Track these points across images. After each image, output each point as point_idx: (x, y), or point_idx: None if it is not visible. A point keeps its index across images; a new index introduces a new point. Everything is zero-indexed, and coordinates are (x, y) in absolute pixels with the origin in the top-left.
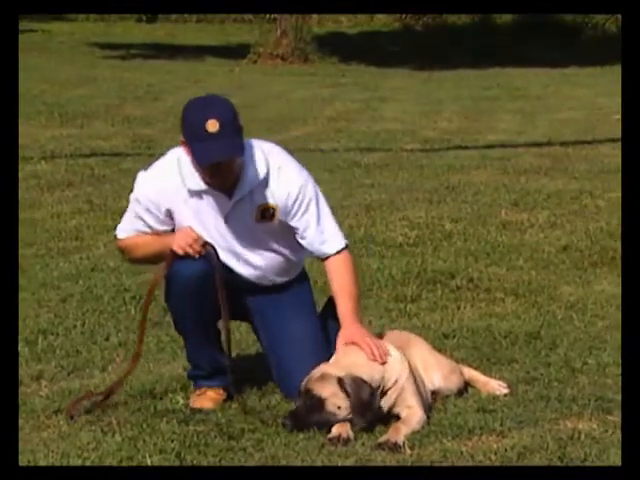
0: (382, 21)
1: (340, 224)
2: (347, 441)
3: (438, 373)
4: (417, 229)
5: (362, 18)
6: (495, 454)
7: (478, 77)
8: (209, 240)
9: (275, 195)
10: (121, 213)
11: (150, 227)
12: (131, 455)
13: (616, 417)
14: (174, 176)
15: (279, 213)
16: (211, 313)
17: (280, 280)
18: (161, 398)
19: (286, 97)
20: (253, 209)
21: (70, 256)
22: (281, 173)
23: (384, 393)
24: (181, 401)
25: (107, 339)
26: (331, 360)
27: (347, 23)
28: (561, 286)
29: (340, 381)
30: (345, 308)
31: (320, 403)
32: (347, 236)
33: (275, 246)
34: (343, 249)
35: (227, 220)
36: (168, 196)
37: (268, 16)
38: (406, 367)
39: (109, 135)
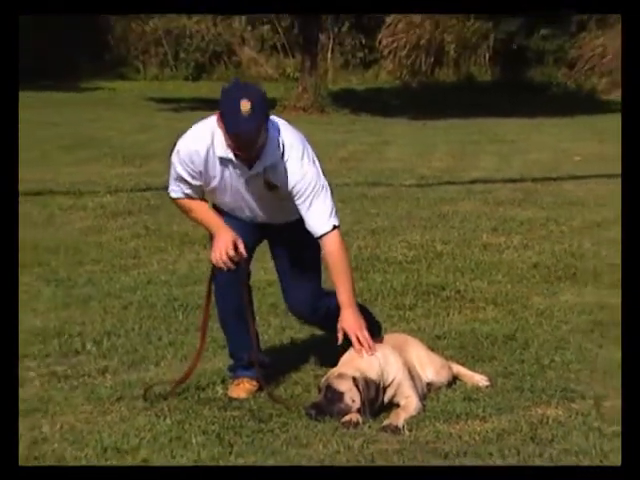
0: (385, 79)
1: (336, 209)
2: (357, 424)
3: (431, 368)
4: (414, 250)
5: (369, 77)
6: (478, 435)
7: (464, 126)
8: (230, 200)
9: (277, 179)
10: (172, 237)
11: (188, 183)
12: (179, 435)
13: (578, 405)
14: (207, 142)
15: (281, 190)
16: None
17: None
18: (204, 389)
19: (307, 141)
20: (263, 182)
21: (130, 271)
22: (287, 164)
23: (384, 390)
24: (220, 391)
25: (160, 339)
26: (345, 359)
27: (356, 81)
28: (532, 297)
29: (354, 380)
30: (343, 295)
31: (339, 397)
32: (357, 255)
33: (286, 205)
34: (329, 232)
35: (246, 184)
36: (200, 156)
37: (292, 75)
38: (401, 367)
39: (162, 173)
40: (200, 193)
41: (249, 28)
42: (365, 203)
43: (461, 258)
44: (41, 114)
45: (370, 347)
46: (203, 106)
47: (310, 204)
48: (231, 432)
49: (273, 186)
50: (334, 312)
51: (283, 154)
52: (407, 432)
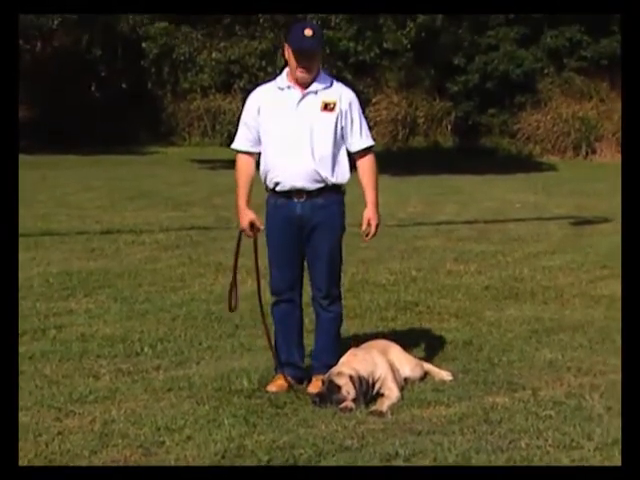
0: None
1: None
2: (351, 410)
3: (407, 366)
4: (394, 275)
5: None
6: (444, 418)
7: (432, 181)
8: (280, 130)
9: (335, 94)
10: (209, 265)
11: (248, 127)
12: (215, 418)
13: (520, 394)
14: (270, 86)
15: (337, 108)
16: (294, 327)
17: (326, 181)
18: (234, 382)
19: None
20: (319, 102)
21: (177, 291)
22: (339, 87)
23: (373, 384)
24: (246, 384)
25: (200, 344)
26: (343, 360)
27: None
28: (485, 311)
29: (351, 377)
30: (369, 196)
31: (338, 389)
32: (350, 279)
33: (329, 138)
34: (370, 147)
35: (298, 106)
36: (261, 96)
37: None
38: (386, 366)
39: (202, 216)
40: (256, 146)
41: None
42: (357, 239)
43: (430, 281)
44: (113, 171)
45: (374, 234)
46: (233, 166)
47: (359, 121)
48: (255, 415)
49: (329, 105)
50: (335, 320)
51: (333, 81)
52: (389, 415)
